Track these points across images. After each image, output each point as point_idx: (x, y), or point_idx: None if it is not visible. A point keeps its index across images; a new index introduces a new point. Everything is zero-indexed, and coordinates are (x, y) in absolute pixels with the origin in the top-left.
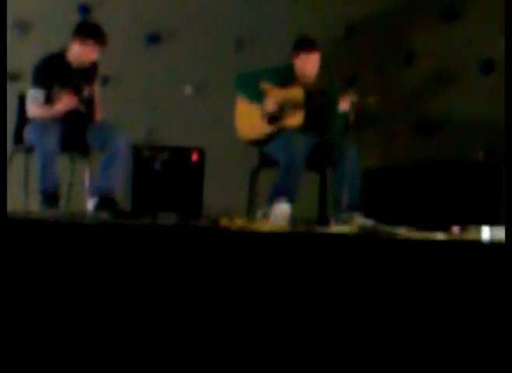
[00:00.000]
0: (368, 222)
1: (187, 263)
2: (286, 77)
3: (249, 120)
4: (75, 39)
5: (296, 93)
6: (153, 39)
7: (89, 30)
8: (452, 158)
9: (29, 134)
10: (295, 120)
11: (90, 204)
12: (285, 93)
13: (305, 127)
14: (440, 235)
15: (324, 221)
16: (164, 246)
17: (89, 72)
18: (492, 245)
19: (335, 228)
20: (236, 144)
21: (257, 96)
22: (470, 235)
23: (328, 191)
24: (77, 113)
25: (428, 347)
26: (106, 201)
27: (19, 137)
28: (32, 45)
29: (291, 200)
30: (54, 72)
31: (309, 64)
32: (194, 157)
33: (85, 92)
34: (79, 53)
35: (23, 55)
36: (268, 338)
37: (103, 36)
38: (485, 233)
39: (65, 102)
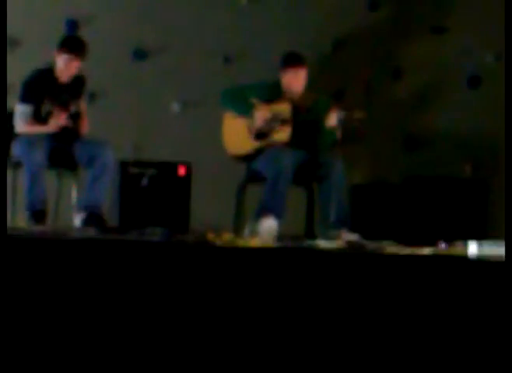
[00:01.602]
0: (355, 238)
1: (174, 279)
2: (273, 92)
3: (236, 135)
4: (56, 53)
5: (284, 109)
6: (140, 55)
7: (64, 42)
8: (439, 174)
9: (16, 149)
10: (282, 135)
11: (77, 220)
12: (273, 109)
13: (292, 143)
14: (426, 251)
15: (311, 236)
16: (151, 261)
17: (76, 87)
18: (479, 260)
19: (322, 244)
20: (224, 160)
21: (246, 109)
22: (456, 251)
23: (316, 207)
24: (64, 128)
25: (415, 362)
26: (93, 217)
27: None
28: (19, 61)
29: (278, 216)
30: (43, 88)
31: (296, 80)
32: (181, 172)
33: (72, 108)
34: (60, 66)
35: (10, 71)
36: (257, 352)
37: (79, 47)
38: (472, 248)
39: (59, 120)
